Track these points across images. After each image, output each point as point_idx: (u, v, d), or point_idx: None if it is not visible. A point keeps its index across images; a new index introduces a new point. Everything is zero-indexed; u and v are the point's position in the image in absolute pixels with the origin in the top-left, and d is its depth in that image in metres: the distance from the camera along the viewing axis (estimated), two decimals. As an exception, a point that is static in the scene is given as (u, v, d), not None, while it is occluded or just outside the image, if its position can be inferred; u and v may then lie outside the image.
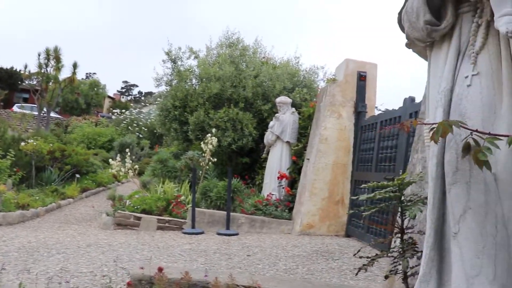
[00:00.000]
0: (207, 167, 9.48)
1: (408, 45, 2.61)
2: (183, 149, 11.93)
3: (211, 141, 8.95)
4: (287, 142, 8.86)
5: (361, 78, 8.12)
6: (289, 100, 9.21)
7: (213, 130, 9.40)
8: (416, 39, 2.39)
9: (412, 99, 6.15)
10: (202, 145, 9.08)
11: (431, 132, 1.86)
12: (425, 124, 2.11)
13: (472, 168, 1.91)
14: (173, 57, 11.34)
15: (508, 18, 1.83)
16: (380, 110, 7.96)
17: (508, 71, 1.98)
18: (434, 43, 2.38)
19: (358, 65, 8.17)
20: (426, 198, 2.86)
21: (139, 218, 7.58)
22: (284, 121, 8.88)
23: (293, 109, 9.15)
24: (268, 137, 9.12)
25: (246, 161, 10.42)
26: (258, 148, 10.11)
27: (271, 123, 9.12)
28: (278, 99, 9.23)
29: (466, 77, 2.06)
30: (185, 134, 10.78)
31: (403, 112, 6.22)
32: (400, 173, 5.77)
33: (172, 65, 11.37)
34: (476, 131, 1.76)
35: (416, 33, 2.34)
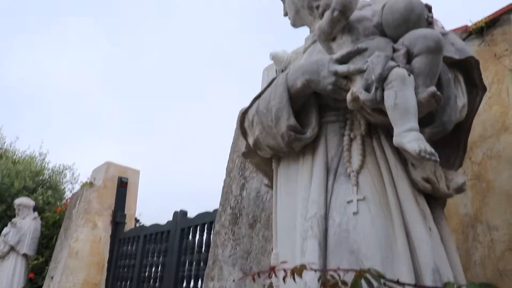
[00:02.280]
0: None
1: (246, 154, 2.07)
2: None
3: None
4: (24, 254, 7.25)
5: (122, 185, 7.37)
6: (32, 203, 7.73)
7: None
8: (270, 147, 1.86)
9: (184, 213, 5.65)
10: None
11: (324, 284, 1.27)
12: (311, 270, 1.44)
13: None
14: None
15: (416, 134, 1.46)
16: (139, 221, 7.29)
17: (395, 199, 1.59)
18: (283, 154, 1.91)
19: (119, 170, 7.44)
20: None
21: None
22: (23, 229, 7.30)
23: (36, 213, 7.68)
24: (-2, 247, 7.33)
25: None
26: (-19, 261, 8.07)
27: (5, 230, 7.39)
28: (18, 201, 7.63)
29: (350, 202, 1.60)
30: None
31: (173, 227, 5.64)
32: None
33: None
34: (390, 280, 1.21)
35: (271, 140, 1.83)
